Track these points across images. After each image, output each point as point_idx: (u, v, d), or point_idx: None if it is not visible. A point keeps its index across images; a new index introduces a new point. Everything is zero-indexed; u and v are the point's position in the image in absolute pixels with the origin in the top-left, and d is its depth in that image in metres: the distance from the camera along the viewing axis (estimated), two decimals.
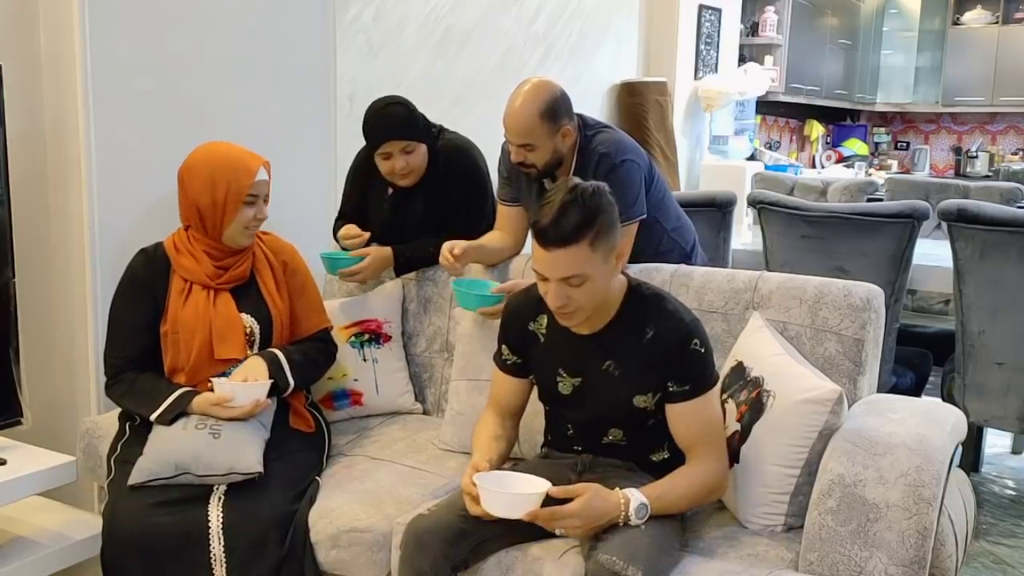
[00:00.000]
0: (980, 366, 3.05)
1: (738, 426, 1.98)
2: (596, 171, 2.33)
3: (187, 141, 2.31)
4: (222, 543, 1.97)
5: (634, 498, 1.75)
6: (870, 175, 7.80)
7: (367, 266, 2.61)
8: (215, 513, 1.99)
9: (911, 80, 9.35)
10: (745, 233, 4.46)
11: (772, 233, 3.55)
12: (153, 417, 2.12)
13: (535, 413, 2.10)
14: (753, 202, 3.57)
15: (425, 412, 2.69)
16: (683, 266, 2.42)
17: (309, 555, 2.03)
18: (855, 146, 9.07)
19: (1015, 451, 3.84)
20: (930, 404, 2.05)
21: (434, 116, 2.68)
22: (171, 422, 2.11)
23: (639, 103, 5.47)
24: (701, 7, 5.99)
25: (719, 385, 1.96)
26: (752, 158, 6.41)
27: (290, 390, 2.24)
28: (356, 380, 2.59)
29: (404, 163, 2.55)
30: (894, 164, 9.05)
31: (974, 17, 8.86)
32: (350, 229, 2.67)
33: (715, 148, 6.27)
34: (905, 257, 3.26)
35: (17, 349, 2.18)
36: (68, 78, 2.40)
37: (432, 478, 2.23)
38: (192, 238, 2.26)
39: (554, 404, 2.02)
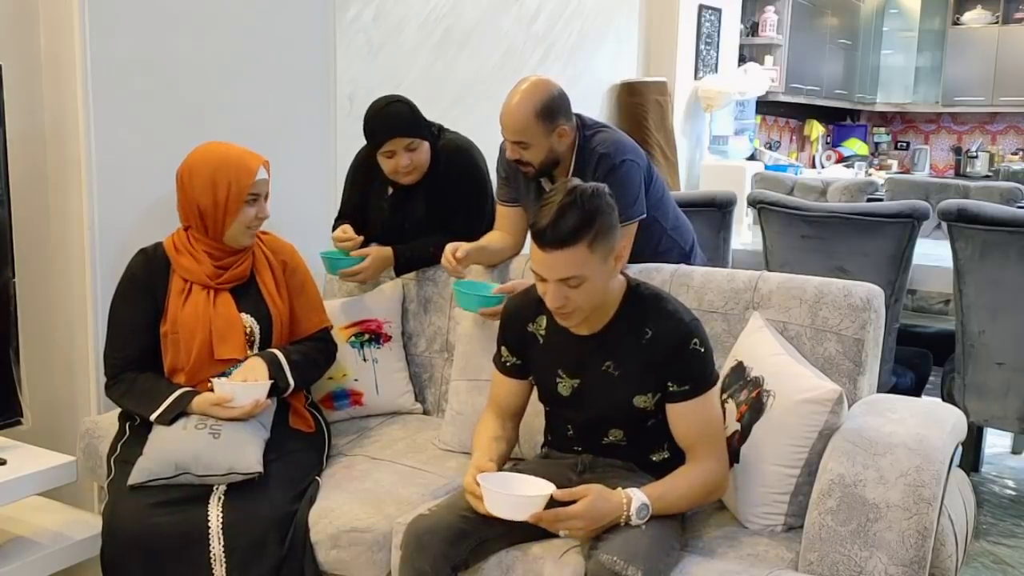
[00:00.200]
0: (980, 366, 3.05)
1: (738, 426, 1.98)
2: (596, 171, 2.33)
3: (187, 141, 2.31)
4: (222, 543, 1.97)
5: (636, 498, 1.75)
6: (870, 175, 7.80)
7: (367, 266, 2.61)
8: (215, 513, 1.99)
9: (911, 80, 9.35)
10: (745, 233, 4.46)
11: (772, 233, 3.55)
12: (153, 417, 2.12)
13: (535, 413, 2.10)
14: (753, 202, 3.57)
15: (425, 412, 2.69)
16: (683, 266, 2.42)
17: (309, 555, 2.03)
18: (855, 146, 9.07)
19: (1015, 451, 3.84)
20: (930, 404, 2.05)
21: (434, 116, 2.68)
22: (171, 422, 2.11)
23: (639, 103, 5.47)
24: (701, 7, 5.99)
25: (719, 385, 1.96)
26: (752, 158, 6.41)
27: (290, 390, 2.24)
28: (356, 380, 2.59)
29: (408, 160, 2.55)
30: (894, 164, 9.05)
31: (974, 17, 8.85)
32: (344, 231, 2.67)
33: (715, 148, 6.27)
34: (905, 257, 3.26)
35: (17, 349, 2.18)
36: (68, 78, 2.40)
37: (432, 478, 2.23)
38: (192, 238, 2.26)
39: (554, 405, 2.01)
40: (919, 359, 3.53)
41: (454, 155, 2.65)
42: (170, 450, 2.04)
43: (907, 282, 3.34)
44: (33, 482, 2.08)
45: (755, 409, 1.95)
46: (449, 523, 1.82)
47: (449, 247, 2.43)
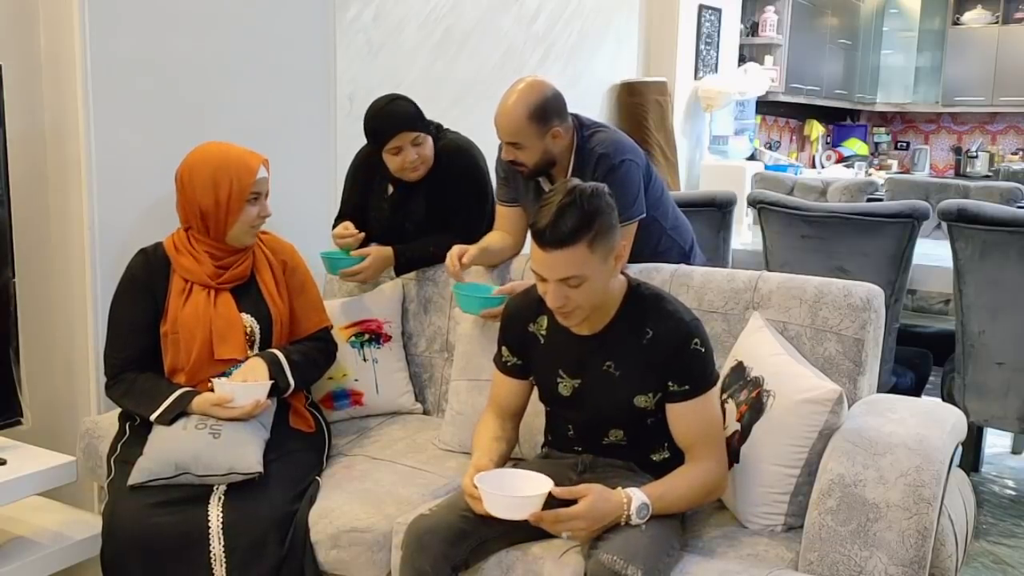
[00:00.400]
0: (980, 366, 3.05)
1: (738, 426, 1.98)
2: (595, 172, 2.33)
3: (187, 141, 2.31)
4: (222, 543, 1.97)
5: (636, 498, 1.75)
6: (870, 175, 7.80)
7: (368, 266, 2.61)
8: (215, 513, 1.99)
9: (911, 80, 9.35)
10: (745, 233, 4.46)
11: (772, 233, 3.55)
12: (153, 417, 2.12)
13: (535, 413, 2.10)
14: (753, 202, 3.57)
15: (425, 412, 2.69)
16: (683, 266, 2.42)
17: (309, 555, 2.03)
18: (855, 146, 9.07)
19: (1015, 451, 3.84)
20: (930, 404, 2.05)
21: (434, 116, 2.68)
22: (171, 422, 2.11)
23: (639, 103, 5.47)
24: (701, 7, 5.99)
25: (719, 385, 1.96)
26: (752, 158, 6.41)
27: (290, 391, 2.24)
28: (356, 380, 2.59)
29: (415, 155, 2.55)
30: (894, 164, 9.05)
31: (974, 17, 8.85)
32: (345, 228, 2.67)
33: (715, 148, 6.27)
34: (905, 257, 3.26)
35: (17, 349, 2.18)
36: (68, 78, 2.40)
37: (432, 478, 2.23)
38: (193, 239, 2.26)
39: (554, 405, 2.01)
40: (919, 359, 3.53)
41: (454, 155, 2.65)
42: (170, 450, 2.04)
43: (907, 282, 3.34)
44: (33, 482, 2.08)
45: (755, 409, 1.95)
46: (449, 523, 1.82)
47: (455, 251, 2.43)
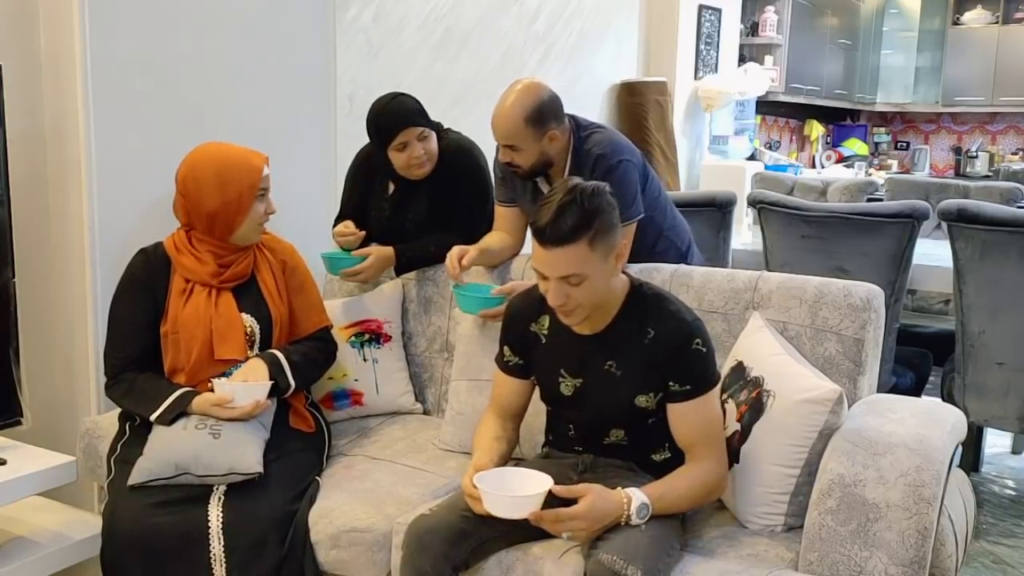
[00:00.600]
0: (980, 366, 3.05)
1: (738, 426, 1.98)
2: (593, 172, 2.33)
3: (187, 141, 2.31)
4: (222, 543, 1.97)
5: (636, 498, 1.75)
6: (870, 175, 7.80)
7: (369, 266, 2.60)
8: (215, 513, 1.99)
9: (911, 80, 9.35)
10: (745, 233, 4.46)
11: (772, 233, 3.55)
12: (153, 417, 2.12)
13: (535, 413, 2.10)
14: (753, 202, 3.57)
15: (425, 412, 2.69)
16: (683, 266, 2.42)
17: (309, 555, 2.03)
18: (855, 146, 9.07)
19: (1015, 451, 3.84)
20: (930, 404, 2.05)
21: (434, 116, 2.68)
22: (171, 422, 2.11)
23: (639, 103, 5.47)
24: (701, 7, 5.99)
25: (719, 385, 1.96)
26: (752, 158, 6.41)
27: (291, 391, 2.24)
28: (356, 380, 2.59)
29: (421, 151, 2.55)
30: (894, 164, 9.05)
31: (974, 17, 8.85)
32: (346, 226, 2.67)
33: (715, 148, 6.27)
34: (905, 257, 3.26)
35: (17, 349, 2.18)
36: (68, 78, 2.40)
37: (432, 478, 2.23)
38: (195, 239, 2.26)
39: (556, 405, 2.02)
40: (919, 359, 3.53)
41: (457, 154, 2.65)
42: (170, 450, 2.04)
43: (907, 282, 3.34)
44: (33, 482, 2.08)
45: (755, 409, 1.95)
46: (450, 523, 1.82)
47: (455, 252, 2.42)
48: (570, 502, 1.73)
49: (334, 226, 2.76)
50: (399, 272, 2.71)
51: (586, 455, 1.98)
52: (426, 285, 2.71)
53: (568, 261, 1.76)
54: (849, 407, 1.94)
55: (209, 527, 1.98)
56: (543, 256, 1.78)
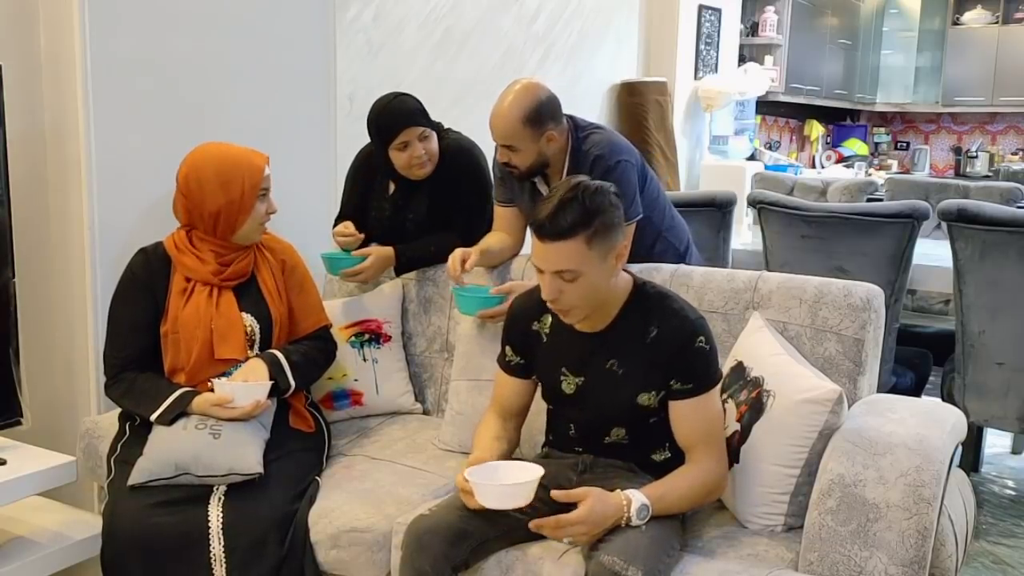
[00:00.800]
0: (980, 366, 3.05)
1: (738, 426, 1.98)
2: (591, 173, 2.32)
3: (187, 141, 2.31)
4: (222, 543, 1.97)
5: (635, 499, 1.75)
6: (870, 175, 7.80)
7: (369, 266, 2.60)
8: (215, 513, 1.99)
9: (911, 80, 9.35)
10: (745, 233, 4.46)
11: (772, 233, 3.55)
12: (153, 417, 2.12)
13: (535, 413, 2.10)
14: (753, 202, 3.57)
15: (425, 412, 2.69)
16: (683, 266, 2.43)
17: (309, 555, 2.03)
18: (855, 146, 9.07)
19: (1015, 451, 3.84)
20: (930, 404, 2.05)
21: (434, 116, 2.68)
22: (171, 422, 2.11)
23: (639, 103, 5.47)
24: (701, 7, 5.99)
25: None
26: (752, 158, 6.41)
27: (291, 391, 2.24)
28: (356, 380, 2.59)
29: (423, 150, 2.55)
30: (894, 164, 9.05)
31: (974, 17, 8.85)
32: (347, 227, 2.67)
33: (715, 148, 6.27)
34: (905, 257, 3.26)
35: (17, 349, 2.18)
36: (68, 78, 2.40)
37: (432, 478, 2.23)
38: (196, 238, 2.26)
39: (557, 404, 2.02)
40: (919, 359, 3.53)
41: (457, 154, 2.65)
42: (170, 450, 2.04)
43: (907, 282, 3.34)
44: (33, 482, 2.08)
45: (755, 409, 1.95)
46: (449, 523, 1.82)
47: (457, 254, 2.42)
48: (570, 507, 1.73)
49: (334, 226, 2.76)
50: (399, 272, 2.71)
51: (586, 455, 1.98)
52: (426, 285, 2.71)
53: (563, 256, 1.77)
54: (849, 407, 1.94)
55: (209, 527, 1.98)
56: (540, 250, 1.80)
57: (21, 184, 2.36)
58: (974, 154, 8.95)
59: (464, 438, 2.33)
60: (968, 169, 8.88)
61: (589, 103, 5.18)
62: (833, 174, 7.44)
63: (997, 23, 8.74)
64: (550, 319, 1.99)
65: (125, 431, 2.20)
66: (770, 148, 7.71)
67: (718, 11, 6.19)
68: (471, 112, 3.89)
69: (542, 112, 2.32)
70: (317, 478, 2.20)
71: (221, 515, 1.99)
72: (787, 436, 1.89)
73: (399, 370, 2.67)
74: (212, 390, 2.13)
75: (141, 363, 2.21)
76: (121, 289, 2.26)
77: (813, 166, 8.63)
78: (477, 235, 2.57)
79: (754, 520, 1.94)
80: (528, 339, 2.02)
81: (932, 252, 3.64)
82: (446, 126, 2.73)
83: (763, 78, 6.36)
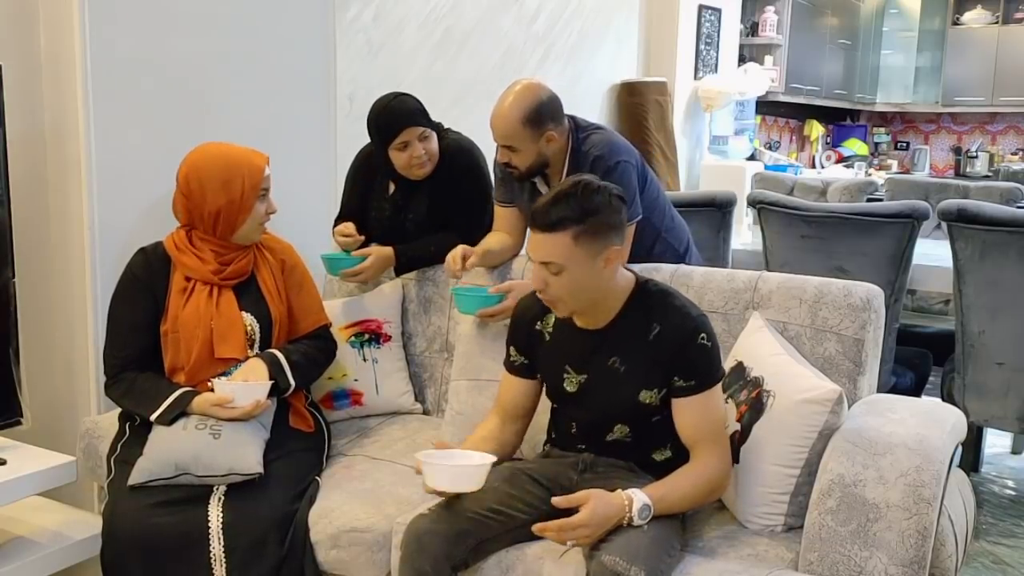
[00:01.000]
0: (980, 366, 3.05)
1: (738, 426, 1.98)
2: (591, 174, 2.33)
3: (187, 141, 2.31)
4: (222, 543, 1.97)
5: (637, 499, 1.75)
6: (870, 175, 7.80)
7: (369, 266, 2.60)
8: (215, 513, 1.99)
9: (911, 80, 9.35)
10: (745, 233, 4.46)
11: (772, 233, 3.55)
12: (153, 417, 2.12)
13: (536, 413, 2.10)
14: (753, 202, 3.57)
15: (425, 412, 2.69)
16: (683, 266, 2.42)
17: (309, 555, 2.03)
18: (855, 146, 9.07)
19: (1015, 451, 3.84)
20: (930, 404, 2.05)
21: (434, 116, 2.68)
22: (171, 422, 2.11)
23: (639, 103, 5.47)
24: (701, 7, 5.99)
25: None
26: (752, 158, 6.41)
27: (291, 391, 2.24)
28: (356, 380, 2.59)
29: (422, 150, 2.55)
30: (894, 164, 9.05)
31: (974, 17, 8.86)
32: (347, 227, 2.67)
33: (715, 148, 6.27)
34: (905, 257, 3.26)
35: (17, 349, 2.18)
36: (68, 78, 2.40)
37: None
38: (196, 238, 2.26)
39: (560, 402, 2.02)
40: (919, 359, 3.53)
41: (457, 154, 2.65)
42: (170, 450, 2.04)
43: (907, 282, 3.34)
44: (33, 482, 2.08)
45: (755, 409, 1.95)
46: (450, 523, 1.82)
47: (458, 251, 2.42)
48: (571, 511, 1.73)
49: (334, 226, 2.76)
50: (399, 272, 2.71)
51: (587, 454, 1.98)
52: (426, 285, 2.71)
53: (549, 248, 1.81)
54: (849, 407, 1.94)
55: (209, 527, 1.98)
56: (532, 239, 1.85)
57: (21, 184, 2.36)
58: (974, 154, 8.95)
59: (464, 438, 2.33)
60: (968, 169, 8.88)
61: (589, 103, 5.18)
62: (833, 174, 7.45)
63: (997, 23, 8.74)
64: (553, 318, 1.99)
65: (125, 431, 2.20)
66: (770, 148, 7.72)
67: (718, 11, 6.19)
68: (471, 112, 3.89)
69: (542, 112, 2.33)
70: (317, 478, 2.19)
71: (221, 515, 1.99)
72: (787, 436, 1.89)
73: (399, 370, 2.67)
74: (212, 390, 2.13)
75: (141, 363, 2.21)
76: (121, 289, 2.26)
77: (813, 166, 8.63)
78: (477, 235, 2.57)
79: (754, 520, 1.94)
80: (531, 339, 2.02)
81: (932, 252, 3.64)
82: (446, 126, 2.73)
83: (763, 78, 6.36)
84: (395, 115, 2.53)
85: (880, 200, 4.95)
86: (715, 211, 3.69)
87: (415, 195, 2.67)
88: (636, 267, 2.31)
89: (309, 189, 3.00)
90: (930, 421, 1.87)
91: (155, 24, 2.54)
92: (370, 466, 2.29)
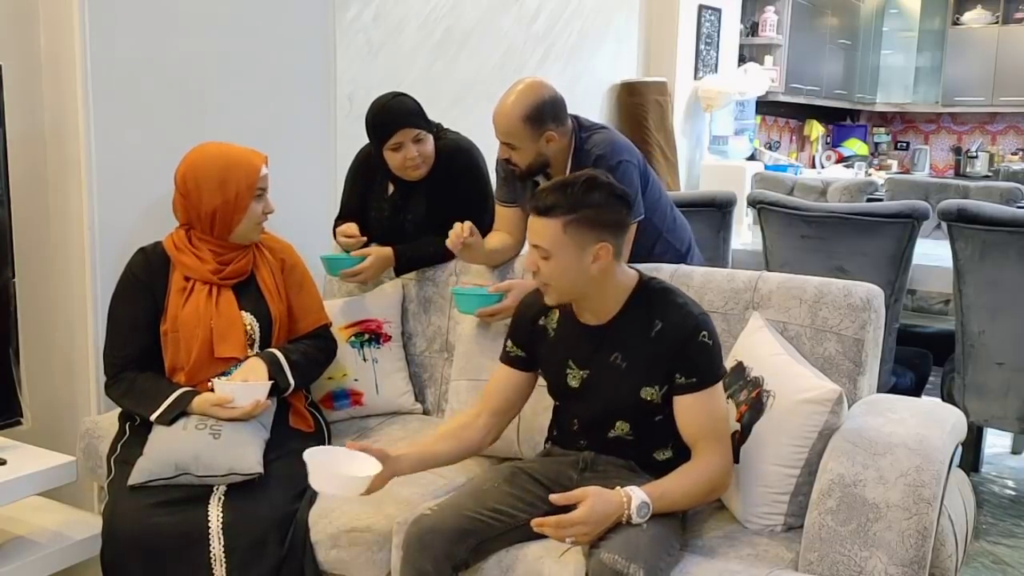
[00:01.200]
0: (980, 366, 3.05)
1: (738, 426, 1.98)
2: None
3: (187, 141, 2.31)
4: (222, 543, 1.97)
5: (635, 496, 1.75)
6: (870, 175, 7.80)
7: (368, 266, 2.60)
8: (215, 513, 1.99)
9: (911, 80, 9.35)
10: (745, 233, 4.46)
11: (772, 233, 3.55)
12: (153, 417, 2.12)
13: (537, 413, 2.10)
14: (753, 202, 3.57)
15: (425, 412, 2.69)
16: (683, 266, 2.43)
17: (309, 555, 2.03)
18: (855, 146, 9.07)
19: (1015, 451, 3.84)
20: (930, 404, 2.05)
21: (434, 116, 2.68)
22: (171, 422, 2.11)
23: (639, 103, 5.47)
24: (701, 7, 5.99)
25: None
26: (752, 158, 6.41)
27: (290, 390, 2.24)
28: (356, 380, 2.59)
29: (416, 152, 2.55)
30: (894, 164, 9.05)
31: (974, 17, 8.86)
32: (350, 228, 2.67)
33: (715, 148, 6.27)
34: (905, 257, 3.26)
35: (17, 349, 2.18)
36: (68, 78, 2.40)
37: (432, 478, 2.22)
38: (195, 238, 2.26)
39: (562, 398, 2.02)
40: (919, 359, 3.53)
41: (455, 154, 2.65)
42: (170, 450, 2.04)
43: (907, 282, 3.34)
44: (33, 482, 2.08)
45: (755, 409, 1.96)
46: (451, 523, 1.82)
47: (466, 224, 2.42)
48: (570, 507, 1.73)
49: (335, 226, 2.76)
50: (399, 272, 2.71)
51: (587, 452, 1.97)
52: (426, 285, 2.71)
53: (540, 231, 1.85)
54: (849, 407, 1.94)
55: (209, 527, 1.98)
56: (529, 219, 1.89)
57: (21, 184, 2.36)
58: (974, 154, 8.95)
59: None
60: (968, 169, 8.88)
61: (589, 103, 5.18)
62: (833, 174, 7.45)
63: (997, 23, 8.74)
64: (557, 315, 2.00)
65: (125, 431, 2.20)
66: (770, 148, 7.72)
67: (718, 11, 6.19)
68: (471, 112, 3.89)
69: (543, 111, 2.33)
70: None
71: (221, 515, 1.99)
72: (787, 436, 1.89)
73: (399, 370, 2.67)
74: (212, 390, 2.13)
75: (141, 363, 2.21)
76: (121, 289, 2.26)
77: (813, 166, 8.64)
78: None
79: (754, 520, 1.94)
80: (533, 335, 2.03)
81: (932, 252, 3.64)
82: (446, 126, 2.73)
83: (763, 78, 6.36)
84: (391, 116, 2.53)
85: (880, 200, 4.95)
86: (715, 211, 3.69)
87: (414, 195, 2.67)
88: (637, 267, 2.31)
89: (309, 189, 3.00)
90: (930, 421, 1.87)
91: (155, 24, 2.54)
92: None
